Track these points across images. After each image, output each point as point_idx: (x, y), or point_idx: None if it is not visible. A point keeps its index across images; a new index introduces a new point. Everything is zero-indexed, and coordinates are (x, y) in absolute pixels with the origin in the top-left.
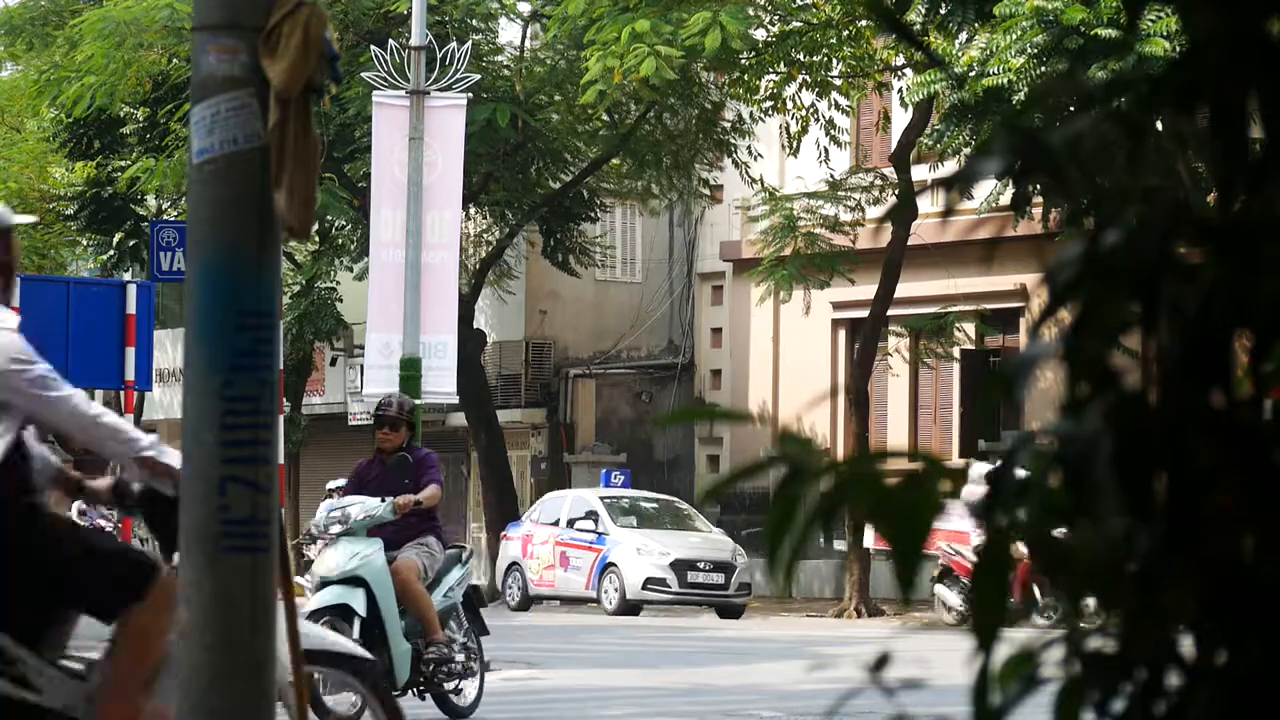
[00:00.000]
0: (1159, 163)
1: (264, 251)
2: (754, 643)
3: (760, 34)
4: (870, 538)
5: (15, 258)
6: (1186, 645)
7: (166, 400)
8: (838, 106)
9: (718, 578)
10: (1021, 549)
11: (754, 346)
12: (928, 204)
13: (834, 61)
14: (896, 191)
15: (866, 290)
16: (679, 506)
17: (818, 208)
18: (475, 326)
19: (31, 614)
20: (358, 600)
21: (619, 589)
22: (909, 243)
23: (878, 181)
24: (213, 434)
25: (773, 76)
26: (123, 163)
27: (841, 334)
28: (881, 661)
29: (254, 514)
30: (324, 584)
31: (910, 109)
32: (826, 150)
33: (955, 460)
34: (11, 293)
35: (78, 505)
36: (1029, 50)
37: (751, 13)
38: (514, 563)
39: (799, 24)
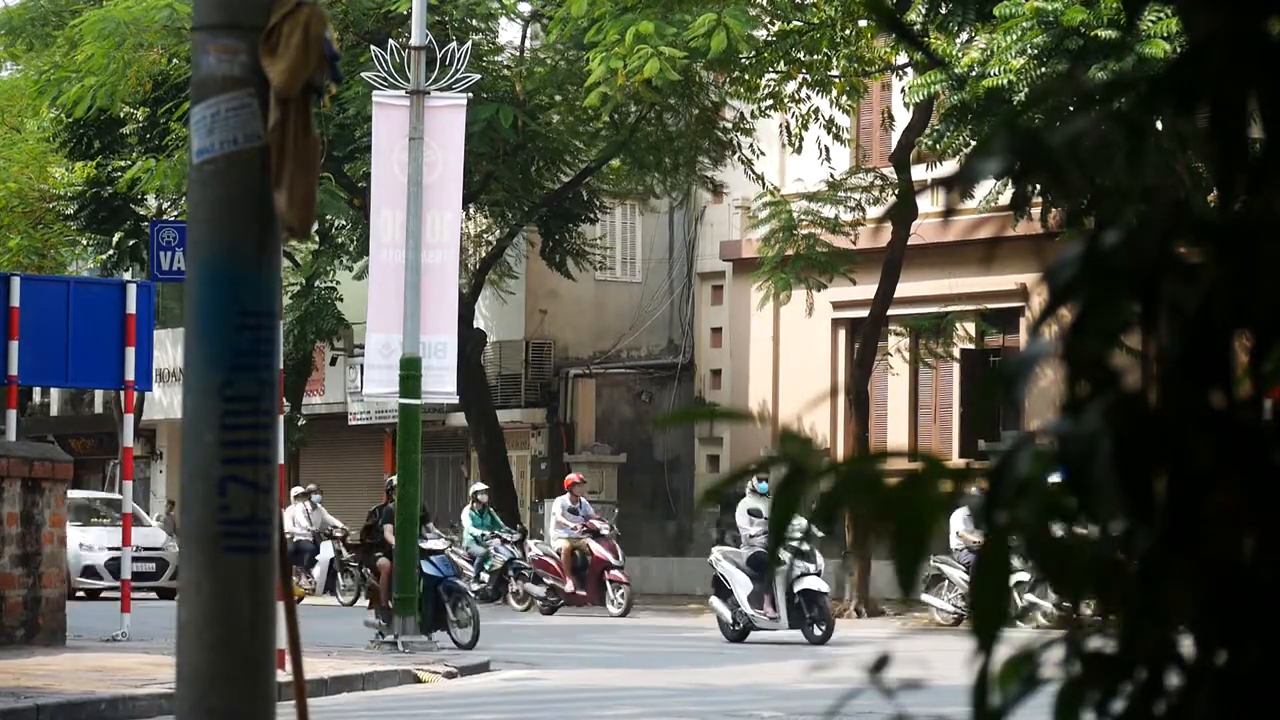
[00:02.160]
0: (1159, 163)
1: (264, 251)
2: (754, 643)
3: (760, 33)
4: None
5: None
6: (1186, 645)
7: (166, 400)
8: (838, 104)
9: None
10: None
11: (754, 346)
12: (928, 204)
13: (834, 61)
14: (896, 191)
15: (866, 290)
16: None
17: (818, 209)
18: (475, 326)
19: None
20: None
21: None
22: (909, 243)
23: (878, 181)
24: (213, 434)
25: (773, 75)
26: (123, 163)
27: (841, 334)
28: (881, 662)
29: (254, 514)
30: None
31: (910, 109)
32: (827, 149)
33: (955, 460)
34: None
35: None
36: (1029, 51)
37: (752, 13)
38: None
39: (799, 24)
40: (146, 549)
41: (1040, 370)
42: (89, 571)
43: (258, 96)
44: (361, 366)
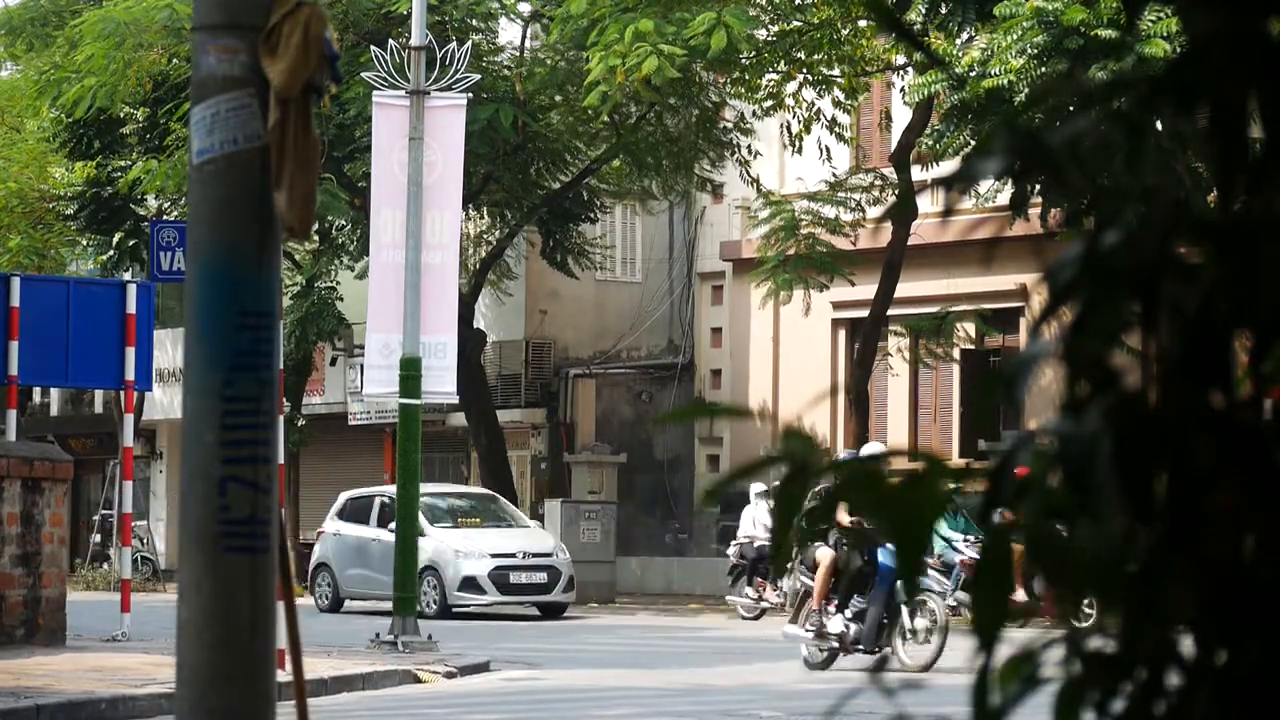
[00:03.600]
0: (1159, 163)
1: (264, 251)
2: (754, 643)
3: (761, 33)
4: None
5: None
6: (1186, 645)
7: (166, 400)
8: (838, 104)
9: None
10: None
11: (754, 346)
12: (928, 204)
13: (834, 61)
14: (896, 191)
15: (866, 290)
16: None
17: (818, 209)
18: (475, 326)
19: None
20: None
21: None
22: (909, 243)
23: (878, 182)
24: (213, 434)
25: (773, 75)
26: (123, 163)
27: (841, 334)
28: (882, 662)
29: (254, 514)
30: None
31: (910, 109)
32: (829, 149)
33: (955, 460)
34: None
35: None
36: (1029, 51)
37: (752, 13)
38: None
39: (799, 23)
40: (535, 555)
41: (1040, 370)
42: (468, 584)
43: (258, 96)
44: (361, 366)
